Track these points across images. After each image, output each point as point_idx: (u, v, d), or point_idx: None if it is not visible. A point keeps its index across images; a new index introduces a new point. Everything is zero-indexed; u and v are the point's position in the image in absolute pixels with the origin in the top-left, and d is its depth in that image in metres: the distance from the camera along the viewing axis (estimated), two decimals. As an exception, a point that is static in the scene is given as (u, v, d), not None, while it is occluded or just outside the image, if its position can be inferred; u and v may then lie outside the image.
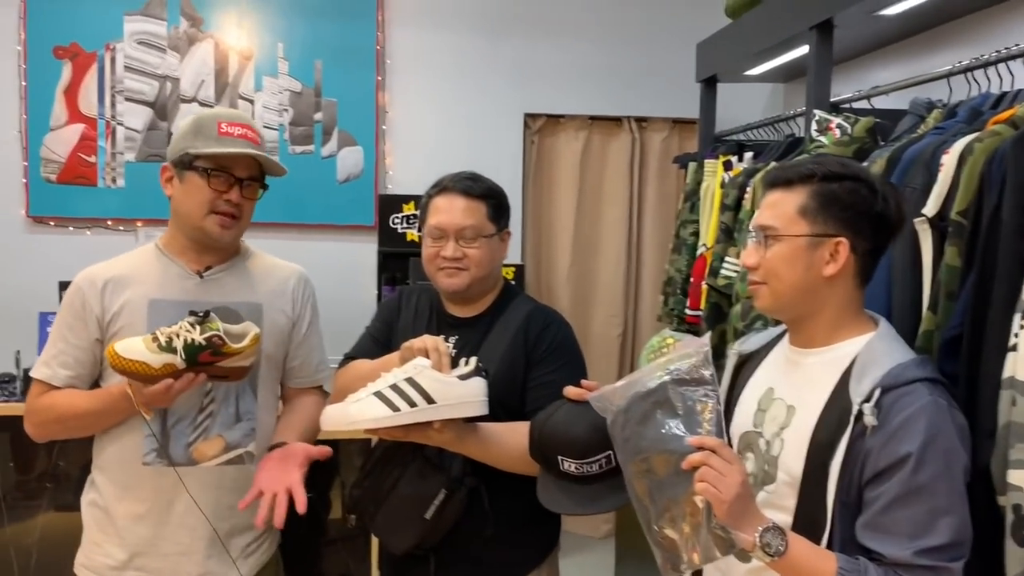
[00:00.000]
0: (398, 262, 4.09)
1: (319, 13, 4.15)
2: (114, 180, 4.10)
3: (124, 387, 1.78)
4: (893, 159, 1.93)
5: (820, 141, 2.38)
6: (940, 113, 2.06)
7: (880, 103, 2.51)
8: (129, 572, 1.89)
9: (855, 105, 2.57)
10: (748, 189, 2.76)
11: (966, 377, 1.58)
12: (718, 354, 2.10)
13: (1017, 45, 1.96)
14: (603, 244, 4.46)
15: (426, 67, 4.26)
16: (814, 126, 2.41)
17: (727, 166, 3.12)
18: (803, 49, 2.93)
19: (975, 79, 2.10)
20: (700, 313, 3.02)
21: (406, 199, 4.09)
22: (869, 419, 1.33)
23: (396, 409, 1.65)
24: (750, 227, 1.55)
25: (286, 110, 4.17)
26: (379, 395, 1.67)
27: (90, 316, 1.88)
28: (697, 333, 3.05)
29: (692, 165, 3.45)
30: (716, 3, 3.65)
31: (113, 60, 4.05)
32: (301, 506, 1.77)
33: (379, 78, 4.21)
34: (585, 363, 1.96)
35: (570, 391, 1.67)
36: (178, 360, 1.71)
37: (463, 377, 1.71)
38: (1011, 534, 1.44)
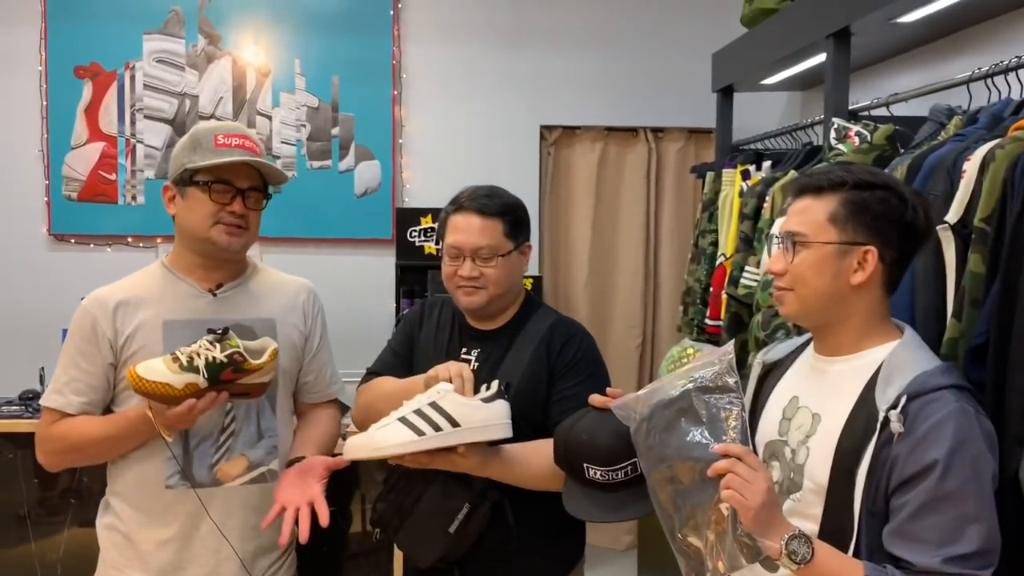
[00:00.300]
0: (416, 275, 4.10)
1: (335, 29, 4.18)
2: (134, 197, 4.14)
3: (143, 410, 1.76)
4: (914, 166, 1.93)
5: (839, 149, 2.37)
6: (960, 120, 2.05)
7: (899, 110, 2.50)
8: None
9: (874, 112, 2.56)
10: (767, 198, 2.75)
11: (993, 385, 1.57)
12: (739, 364, 2.10)
13: (1037, 50, 1.95)
14: (621, 255, 4.45)
15: (442, 81, 4.28)
16: (833, 134, 2.40)
17: (745, 175, 3.12)
18: (820, 57, 2.93)
19: (995, 85, 2.09)
20: (720, 323, 3.01)
21: (423, 212, 4.09)
22: (895, 426, 1.33)
23: (421, 433, 1.66)
24: (776, 233, 1.54)
25: (304, 125, 4.20)
26: (403, 420, 1.68)
27: (103, 340, 1.84)
28: (717, 343, 3.04)
29: (710, 175, 3.45)
30: (731, 13, 3.65)
31: (132, 78, 4.10)
32: (324, 519, 1.76)
33: (395, 92, 4.23)
34: (608, 374, 1.96)
35: (595, 399, 1.67)
36: (200, 379, 1.69)
37: (486, 400, 1.72)
38: (1041, 541, 1.42)
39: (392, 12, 4.20)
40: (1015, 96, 2.03)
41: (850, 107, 2.60)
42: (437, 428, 1.66)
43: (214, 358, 1.70)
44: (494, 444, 1.76)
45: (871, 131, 2.29)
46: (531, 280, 3.84)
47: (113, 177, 4.11)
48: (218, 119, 4.11)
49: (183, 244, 1.92)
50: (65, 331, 1.87)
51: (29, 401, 3.34)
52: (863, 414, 1.40)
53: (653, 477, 1.49)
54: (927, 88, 2.33)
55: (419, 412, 1.68)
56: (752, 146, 3.56)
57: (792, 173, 2.72)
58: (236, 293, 1.95)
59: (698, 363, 1.55)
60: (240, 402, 1.88)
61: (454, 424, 1.66)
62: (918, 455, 1.31)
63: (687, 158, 4.44)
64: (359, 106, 4.22)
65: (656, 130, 4.44)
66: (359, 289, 4.19)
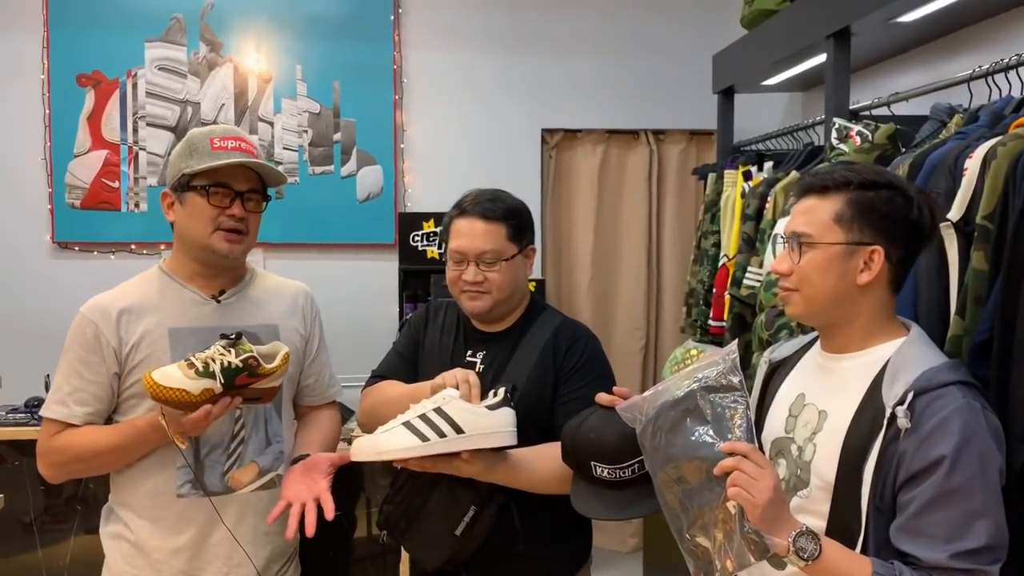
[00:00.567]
0: (419, 279, 4.11)
1: (336, 35, 4.19)
2: (137, 205, 4.16)
3: (154, 418, 1.74)
4: (915, 165, 1.93)
5: (840, 149, 2.37)
6: (961, 118, 2.06)
7: (899, 109, 2.50)
8: None
9: (875, 112, 2.56)
10: (769, 199, 2.76)
11: (997, 381, 1.58)
12: (743, 364, 2.10)
13: (1037, 48, 1.95)
14: (623, 257, 4.46)
15: (443, 85, 4.29)
16: (834, 134, 2.41)
17: (747, 176, 3.13)
18: (820, 58, 2.93)
19: (995, 83, 2.10)
20: (723, 324, 3.02)
21: (426, 216, 4.11)
22: (902, 422, 1.33)
23: (425, 439, 1.66)
24: (780, 233, 1.54)
25: (305, 131, 4.21)
26: (408, 425, 1.68)
27: (107, 349, 1.82)
28: (721, 344, 3.04)
29: (711, 176, 3.46)
30: (731, 15, 3.67)
31: (135, 86, 4.11)
32: (329, 513, 1.76)
33: (396, 97, 4.24)
34: (614, 375, 1.96)
35: (602, 397, 1.67)
36: (217, 385, 1.68)
37: (492, 407, 1.72)
38: (1047, 537, 1.42)
39: (392, 17, 4.21)
40: (1015, 94, 2.04)
41: (851, 107, 2.60)
42: (441, 434, 1.66)
43: (230, 363, 1.70)
44: (499, 450, 1.76)
45: (872, 131, 2.29)
46: (534, 283, 3.85)
47: (116, 185, 4.12)
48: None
49: (183, 251, 1.91)
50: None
51: (34, 408, 3.34)
52: (870, 411, 1.40)
53: (660, 478, 1.50)
54: (928, 87, 2.34)
55: (424, 417, 1.69)
56: (753, 147, 3.57)
57: (794, 173, 2.73)
58: (238, 299, 1.94)
59: (702, 363, 1.56)
60: (252, 407, 1.87)
61: (458, 431, 1.67)
62: (925, 451, 1.32)
63: (688, 160, 4.45)
64: (361, 111, 4.23)
65: (657, 132, 4.45)
66: (362, 294, 4.20)
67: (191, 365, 1.69)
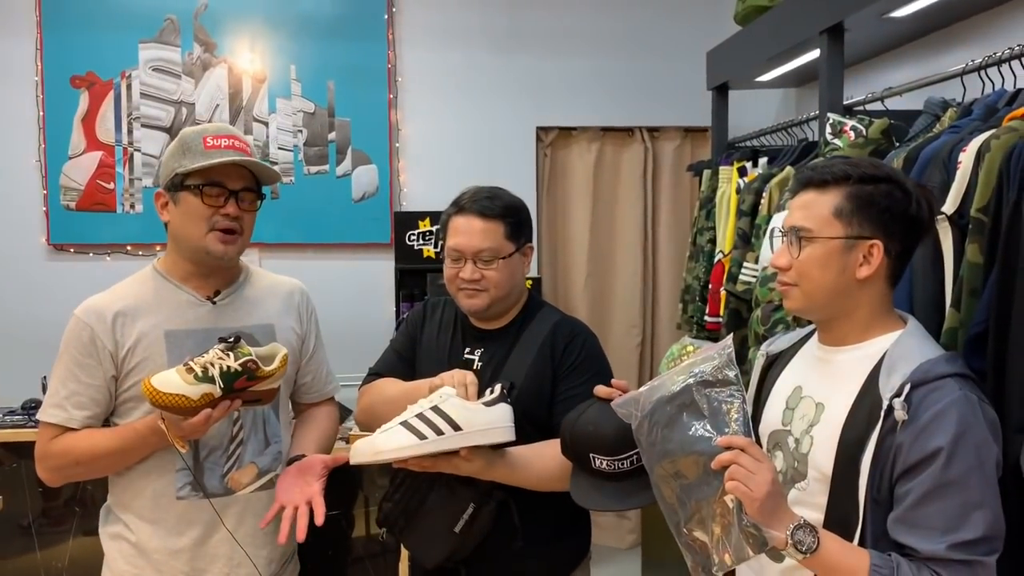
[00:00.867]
0: (415, 279, 4.11)
1: (330, 34, 4.19)
2: (132, 206, 4.15)
3: (153, 421, 1.73)
4: (910, 158, 1.94)
5: (835, 144, 2.38)
6: (955, 111, 2.07)
7: (893, 104, 2.51)
8: None
9: (868, 107, 2.57)
10: (764, 194, 2.77)
11: (993, 373, 1.59)
12: (739, 359, 2.11)
13: (1029, 41, 1.96)
14: (619, 254, 4.46)
15: (437, 84, 4.29)
16: (828, 129, 2.41)
17: (742, 172, 3.14)
18: (814, 53, 2.94)
19: (988, 77, 2.11)
20: (720, 319, 3.02)
21: (422, 216, 4.11)
22: (899, 414, 1.34)
23: (423, 437, 1.67)
24: (778, 227, 1.55)
25: (300, 131, 4.21)
26: (406, 424, 1.70)
27: (103, 352, 1.81)
28: (717, 340, 3.04)
29: (706, 172, 3.46)
30: (724, 11, 3.67)
31: (129, 87, 4.10)
32: (319, 518, 1.76)
33: (391, 96, 4.25)
34: (612, 372, 1.97)
35: (600, 390, 1.68)
36: (216, 389, 1.68)
37: (488, 404, 1.73)
38: (1044, 527, 1.43)
39: (386, 16, 4.21)
40: (1008, 87, 2.05)
41: (845, 102, 2.61)
42: (439, 432, 1.67)
43: (228, 367, 1.69)
44: (499, 448, 1.77)
45: (866, 125, 2.30)
46: (530, 281, 3.84)
47: (111, 186, 4.11)
48: (215, 126, 4.12)
49: (177, 252, 1.89)
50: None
51: (31, 411, 3.35)
52: (867, 403, 1.41)
53: (657, 473, 1.50)
54: (921, 81, 2.34)
55: (421, 416, 1.70)
56: (748, 143, 3.58)
57: (789, 169, 2.74)
58: (234, 300, 1.93)
59: (698, 358, 1.56)
60: (251, 409, 1.87)
61: (456, 428, 1.68)
62: (922, 443, 1.32)
63: (683, 157, 4.46)
64: (355, 111, 4.23)
65: (652, 129, 4.45)
66: (359, 294, 4.20)
67: (190, 370, 1.68)
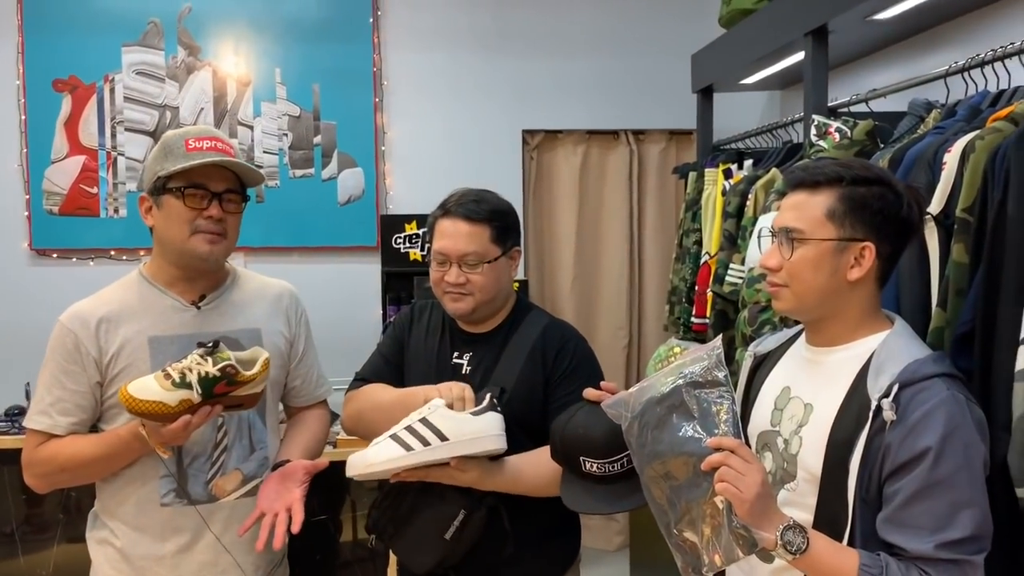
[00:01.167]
0: (402, 282, 4.10)
1: (315, 38, 4.18)
2: (116, 210, 4.12)
3: (135, 429, 1.71)
4: (895, 159, 1.96)
5: (820, 146, 2.39)
6: (939, 113, 2.08)
7: (876, 106, 2.53)
8: None
9: (853, 108, 2.59)
10: (750, 196, 2.78)
11: (980, 372, 1.60)
12: (726, 360, 2.11)
13: (1012, 44, 1.98)
14: (605, 257, 4.47)
15: (423, 87, 4.29)
16: (813, 131, 2.43)
17: (727, 174, 3.15)
18: (798, 56, 2.96)
19: (972, 78, 2.12)
20: (706, 320, 3.03)
21: (408, 218, 4.10)
22: (888, 414, 1.34)
23: (410, 449, 1.67)
24: (768, 227, 1.55)
25: (285, 134, 4.19)
26: (394, 437, 1.70)
27: (87, 359, 1.79)
28: (703, 341, 3.06)
29: (692, 175, 3.47)
30: (709, 14, 3.69)
31: (112, 91, 4.08)
32: (296, 525, 1.75)
33: (377, 99, 4.24)
34: (603, 375, 1.96)
35: (589, 392, 1.67)
36: (195, 395, 1.65)
37: (476, 413, 1.73)
38: (1031, 525, 1.44)
39: (372, 20, 4.21)
40: (991, 88, 2.07)
41: (829, 104, 2.63)
42: (425, 443, 1.67)
43: (207, 373, 1.66)
44: (496, 458, 1.77)
45: (851, 127, 2.32)
46: (517, 284, 3.84)
47: (95, 190, 4.09)
48: (199, 130, 4.10)
49: (162, 256, 1.87)
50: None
51: (15, 417, 3.31)
52: (855, 403, 1.41)
53: (647, 474, 1.50)
54: (906, 83, 2.36)
55: (409, 428, 1.70)
56: (733, 145, 3.59)
57: (774, 171, 2.75)
58: (220, 304, 1.91)
59: (686, 359, 1.56)
60: (233, 414, 1.85)
61: (442, 438, 1.68)
62: (911, 443, 1.33)
63: (668, 159, 4.48)
64: (341, 114, 4.22)
65: (637, 132, 4.47)
66: (345, 297, 4.19)
67: (167, 376, 1.65)
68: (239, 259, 4.00)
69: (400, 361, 2.05)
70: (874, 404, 1.37)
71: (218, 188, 1.81)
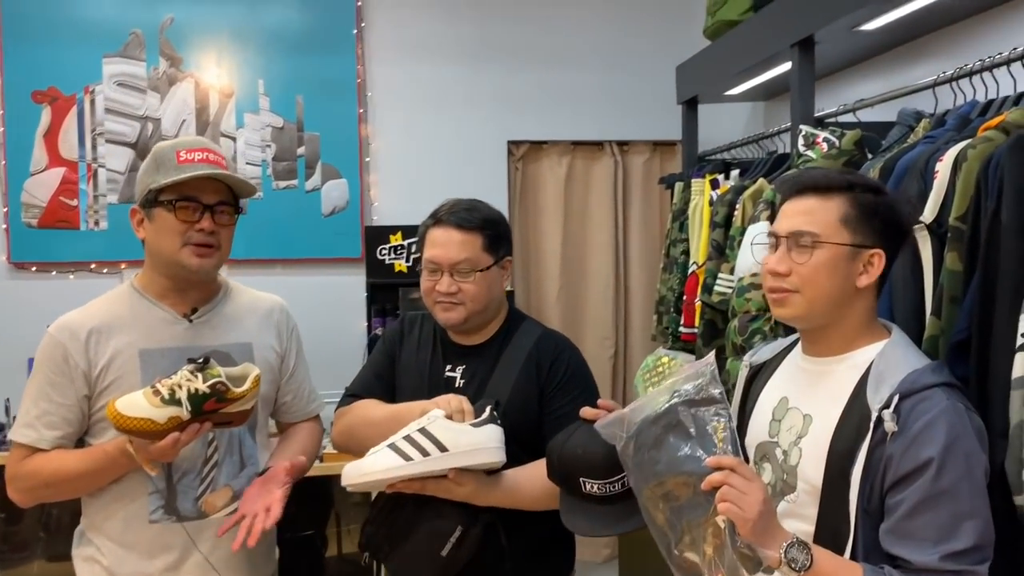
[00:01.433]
0: (387, 293, 4.08)
1: (299, 49, 4.15)
2: (97, 223, 4.07)
3: (123, 444, 1.68)
4: (886, 168, 1.96)
5: (808, 156, 2.40)
6: (928, 122, 2.09)
7: (862, 116, 2.54)
8: None
9: (840, 119, 2.60)
10: (737, 206, 2.78)
11: (976, 380, 1.59)
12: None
13: (1001, 54, 1.99)
14: (591, 267, 4.47)
15: (408, 98, 4.27)
16: (801, 141, 2.43)
17: (714, 184, 3.15)
18: (783, 67, 2.97)
19: (960, 88, 2.14)
20: (695, 330, 3.03)
21: (393, 230, 4.08)
22: (889, 425, 1.34)
23: (408, 459, 1.65)
24: (773, 233, 1.52)
25: (268, 146, 4.16)
26: (392, 447, 1.68)
27: (76, 371, 1.77)
28: (692, 350, 3.05)
29: (679, 185, 3.48)
30: (693, 26, 3.71)
31: (93, 103, 4.03)
32: (271, 520, 1.73)
33: (361, 111, 4.21)
34: (598, 387, 1.95)
35: (586, 412, 1.65)
36: (184, 412, 1.63)
37: (476, 424, 1.71)
38: (1030, 533, 1.44)
39: (355, 31, 4.19)
40: (979, 98, 2.08)
41: (816, 114, 2.64)
42: (424, 453, 1.66)
43: (196, 389, 1.64)
44: (493, 473, 1.75)
45: (839, 137, 2.32)
46: (503, 295, 3.83)
47: (75, 203, 4.03)
48: (182, 141, 4.06)
49: (154, 268, 1.85)
50: (31, 360, 1.79)
51: (-6, 433, 3.25)
52: (855, 414, 1.41)
53: (644, 495, 1.48)
54: (894, 93, 2.37)
55: (408, 438, 1.69)
56: (718, 156, 3.61)
57: (761, 181, 2.75)
58: (212, 317, 1.89)
59: (680, 377, 1.54)
60: (223, 431, 1.83)
61: (442, 448, 1.66)
62: (912, 453, 1.32)
63: (652, 170, 4.48)
64: (325, 125, 4.19)
65: (621, 143, 4.47)
66: (330, 309, 4.14)
67: (156, 392, 1.63)
68: (222, 271, 3.96)
69: (390, 376, 2.03)
70: (875, 415, 1.37)
71: (210, 200, 1.79)
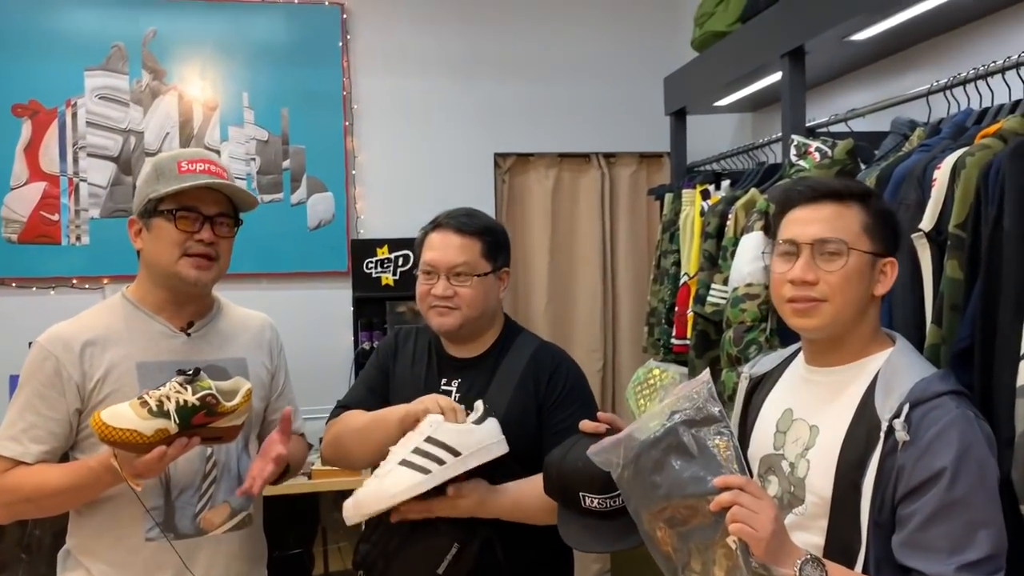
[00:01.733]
0: (374, 307, 4.05)
1: (283, 61, 4.12)
2: (78, 238, 4.01)
3: (107, 459, 1.62)
4: (883, 177, 1.96)
5: (800, 165, 2.40)
6: (923, 131, 2.09)
7: (852, 126, 2.54)
8: None
9: (832, 128, 2.60)
10: (730, 216, 2.77)
11: (980, 388, 1.58)
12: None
13: (994, 62, 2.00)
14: (578, 280, 4.45)
15: (394, 111, 4.25)
16: (793, 151, 2.43)
17: (705, 195, 3.14)
18: (772, 78, 2.97)
19: (954, 96, 2.14)
20: (687, 342, 3.01)
21: (379, 243, 4.06)
22: (901, 435, 1.32)
23: (427, 472, 1.63)
24: (794, 240, 1.48)
25: (253, 159, 4.12)
26: (406, 463, 1.65)
27: (68, 384, 1.72)
28: (684, 362, 3.04)
29: (669, 196, 3.47)
30: (680, 38, 3.71)
31: (74, 116, 3.98)
32: (271, 467, 1.76)
33: (347, 123, 4.19)
34: (596, 400, 1.93)
35: (586, 425, 1.63)
36: (171, 425, 1.57)
37: (477, 422, 1.69)
38: (1037, 541, 1.43)
39: (341, 43, 4.17)
40: (973, 107, 2.08)
41: (808, 124, 2.63)
42: (440, 461, 1.63)
43: (185, 401, 1.59)
44: (492, 482, 1.73)
45: (831, 147, 2.32)
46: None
47: (56, 217, 3.97)
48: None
49: (150, 280, 1.82)
50: (12, 377, 1.74)
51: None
52: (864, 424, 1.39)
53: (645, 520, 1.44)
54: (889, 101, 2.38)
55: (418, 451, 1.65)
56: (706, 167, 3.60)
57: (753, 191, 2.74)
58: (208, 332, 1.86)
59: (675, 397, 1.50)
60: (220, 447, 1.78)
61: (455, 453, 1.64)
62: (925, 463, 1.31)
63: (639, 182, 4.48)
64: (310, 138, 4.16)
65: (608, 155, 4.47)
66: (316, 323, 4.11)
67: (144, 404, 1.58)
68: (207, 286, 3.91)
69: (384, 390, 2.00)
70: (885, 424, 1.35)
71: (210, 211, 1.77)
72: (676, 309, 3.14)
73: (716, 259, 2.81)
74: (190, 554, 1.76)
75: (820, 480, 1.42)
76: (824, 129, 2.62)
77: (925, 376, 1.38)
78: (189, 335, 1.83)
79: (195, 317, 1.85)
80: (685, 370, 3.05)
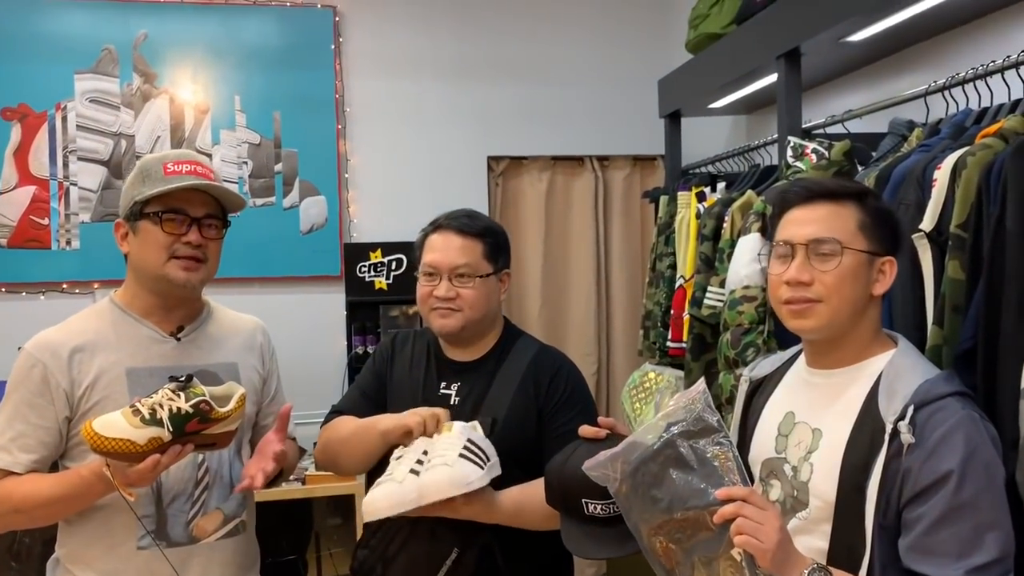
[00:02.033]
0: (367, 311, 4.03)
1: (276, 64, 4.10)
2: (68, 242, 3.97)
3: (99, 468, 1.59)
4: (882, 177, 1.94)
5: (797, 167, 2.38)
6: (922, 131, 2.08)
7: (849, 127, 2.53)
8: None
9: (828, 130, 2.59)
10: (726, 218, 2.76)
11: (984, 389, 1.57)
12: (707, 384, 2.06)
13: (993, 62, 1.99)
14: (572, 283, 4.44)
15: (386, 114, 4.23)
16: (790, 152, 2.41)
17: (700, 197, 3.13)
18: (768, 79, 2.96)
19: (953, 97, 2.13)
20: (683, 345, 2.99)
21: (372, 247, 4.03)
22: (906, 437, 1.30)
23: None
24: (789, 241, 1.48)
25: (245, 162, 4.09)
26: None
27: (56, 392, 1.69)
28: (680, 365, 3.02)
29: (664, 198, 3.45)
30: (673, 40, 3.70)
31: (64, 119, 3.94)
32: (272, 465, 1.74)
33: (339, 127, 4.17)
34: (596, 404, 1.91)
35: (586, 431, 1.60)
36: (165, 433, 1.54)
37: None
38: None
39: (333, 46, 4.14)
40: (971, 107, 2.07)
41: (804, 125, 2.62)
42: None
43: (179, 408, 1.55)
44: (497, 489, 1.72)
45: (827, 148, 2.31)
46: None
47: (46, 222, 3.93)
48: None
49: (138, 283, 1.79)
50: (3, 383, 1.70)
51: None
52: (867, 426, 1.37)
53: (645, 534, 1.42)
54: (886, 102, 2.36)
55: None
56: (702, 169, 3.59)
57: (750, 193, 2.73)
58: (198, 336, 1.83)
59: (671, 409, 1.47)
60: (212, 453, 1.76)
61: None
62: (932, 466, 1.29)
63: (633, 185, 4.47)
64: (302, 141, 4.13)
65: (602, 158, 4.45)
66: (309, 328, 4.08)
67: (136, 412, 1.54)
68: (198, 291, 3.88)
69: (379, 395, 1.97)
70: (889, 427, 1.33)
71: (198, 213, 1.74)
72: (672, 312, 3.13)
73: (712, 261, 2.80)
74: (183, 562, 1.73)
75: (824, 484, 1.40)
76: (820, 131, 2.61)
77: (929, 377, 1.37)
78: (179, 340, 1.80)
79: (185, 321, 1.82)
80: (681, 373, 3.03)
